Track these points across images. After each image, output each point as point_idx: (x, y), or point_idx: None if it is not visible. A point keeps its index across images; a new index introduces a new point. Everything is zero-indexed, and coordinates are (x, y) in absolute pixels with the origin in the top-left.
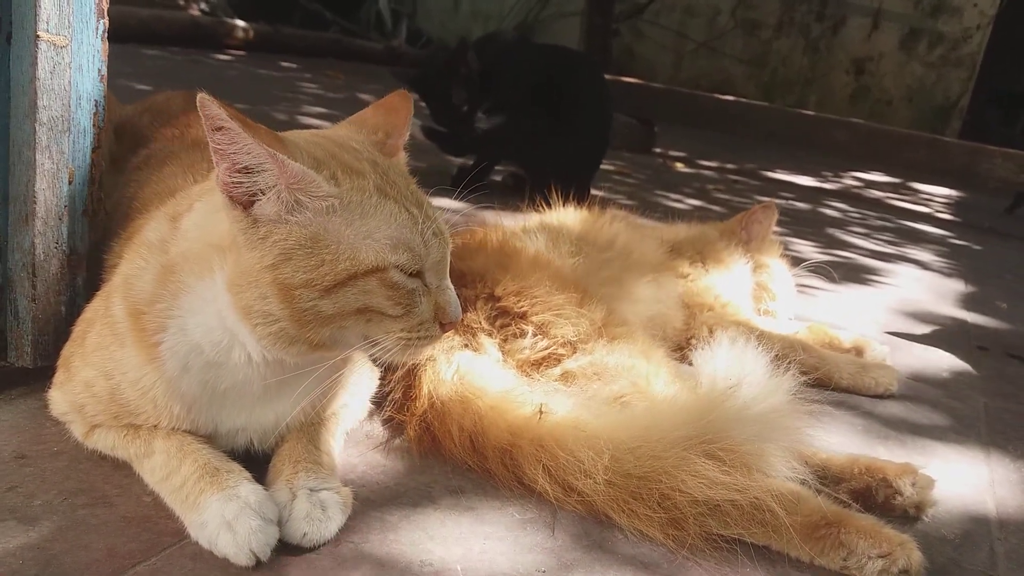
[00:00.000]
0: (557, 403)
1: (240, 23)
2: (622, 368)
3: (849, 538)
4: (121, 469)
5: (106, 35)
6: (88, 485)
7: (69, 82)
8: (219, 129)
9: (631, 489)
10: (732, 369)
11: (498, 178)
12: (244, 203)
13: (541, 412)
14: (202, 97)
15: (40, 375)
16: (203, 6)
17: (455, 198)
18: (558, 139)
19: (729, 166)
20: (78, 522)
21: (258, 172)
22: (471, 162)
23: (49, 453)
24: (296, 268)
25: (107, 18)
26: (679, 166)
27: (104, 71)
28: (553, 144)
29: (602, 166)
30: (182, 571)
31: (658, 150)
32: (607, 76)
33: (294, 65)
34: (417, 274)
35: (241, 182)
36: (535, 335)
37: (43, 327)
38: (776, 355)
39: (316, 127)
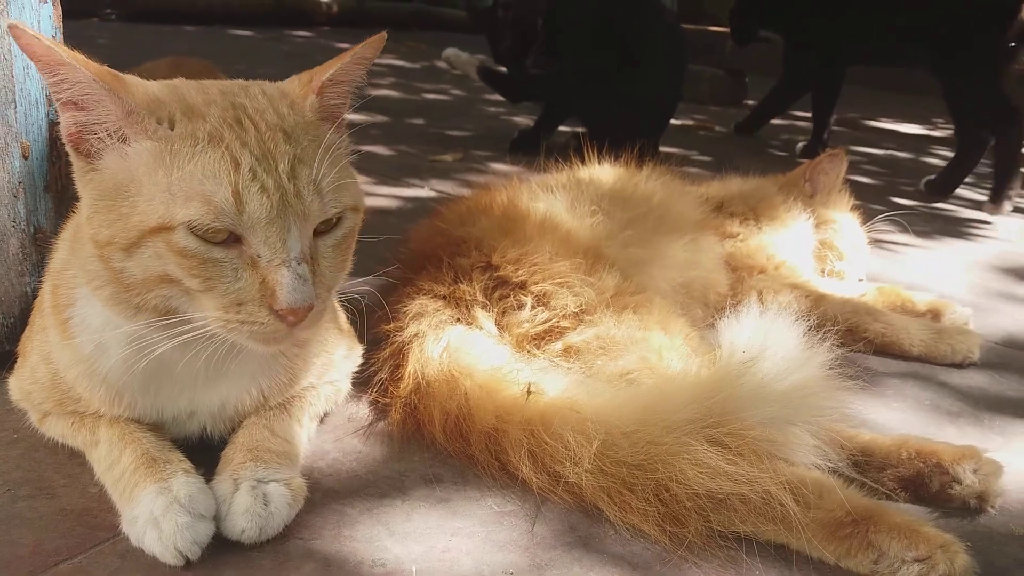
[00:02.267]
0: (551, 381)
1: None
2: (631, 341)
3: (879, 538)
4: (76, 458)
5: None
6: (36, 475)
7: (9, 50)
8: (46, 65)
9: (624, 478)
10: (754, 341)
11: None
12: (81, 149)
13: (529, 391)
14: (11, 24)
15: (4, 360)
16: None
17: (509, 161)
18: (622, 90)
19: None
20: (13, 515)
21: (88, 108)
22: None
23: (7, 441)
24: (102, 222)
25: None
26: None
27: (59, 37)
28: (616, 96)
29: (683, 121)
30: (106, 571)
31: (750, 102)
32: (695, 26)
33: None
34: (229, 242)
35: (74, 121)
36: (535, 306)
37: (7, 309)
38: (828, 320)
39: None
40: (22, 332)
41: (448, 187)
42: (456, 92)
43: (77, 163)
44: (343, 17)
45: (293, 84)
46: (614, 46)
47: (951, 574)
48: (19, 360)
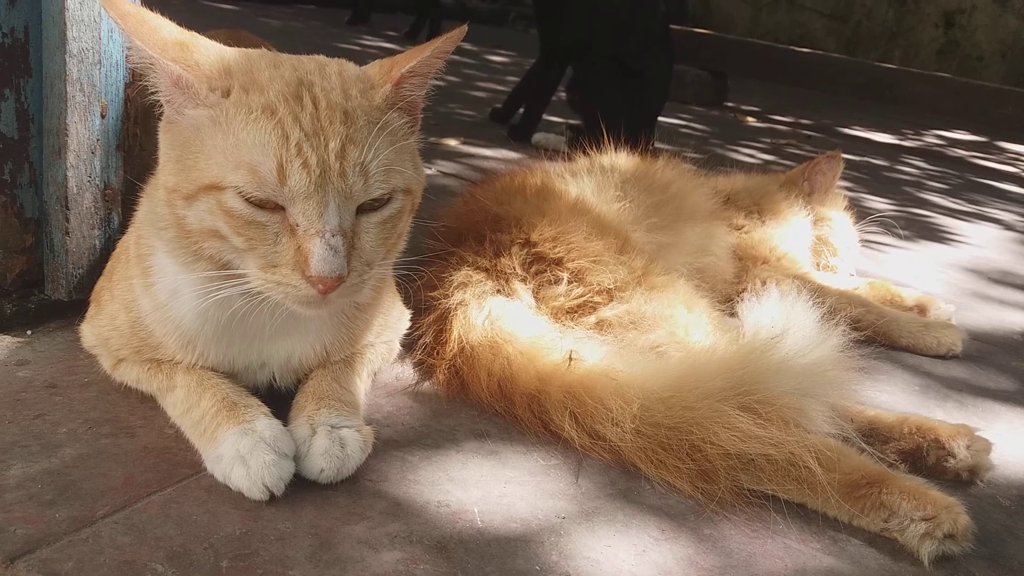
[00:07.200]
0: (589, 351)
1: None
2: (660, 317)
3: (891, 499)
4: (147, 402)
5: None
6: (113, 416)
7: (99, 13)
8: (123, 32)
9: (660, 439)
10: (778, 320)
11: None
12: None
13: (571, 359)
14: None
15: (75, 308)
16: None
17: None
18: (617, 86)
19: (804, 121)
20: (100, 450)
21: (149, 72)
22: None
23: (80, 384)
24: (171, 170)
25: None
26: (750, 120)
27: (139, 3)
28: (612, 91)
29: (667, 119)
30: (195, 502)
31: (730, 104)
32: (681, 27)
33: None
34: (273, 207)
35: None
36: (570, 282)
37: (77, 260)
38: (830, 310)
39: None
40: (89, 282)
41: (455, 168)
42: (451, 78)
43: (166, 111)
44: None
45: (375, 69)
46: (612, 49)
47: (954, 532)
48: (93, 308)
